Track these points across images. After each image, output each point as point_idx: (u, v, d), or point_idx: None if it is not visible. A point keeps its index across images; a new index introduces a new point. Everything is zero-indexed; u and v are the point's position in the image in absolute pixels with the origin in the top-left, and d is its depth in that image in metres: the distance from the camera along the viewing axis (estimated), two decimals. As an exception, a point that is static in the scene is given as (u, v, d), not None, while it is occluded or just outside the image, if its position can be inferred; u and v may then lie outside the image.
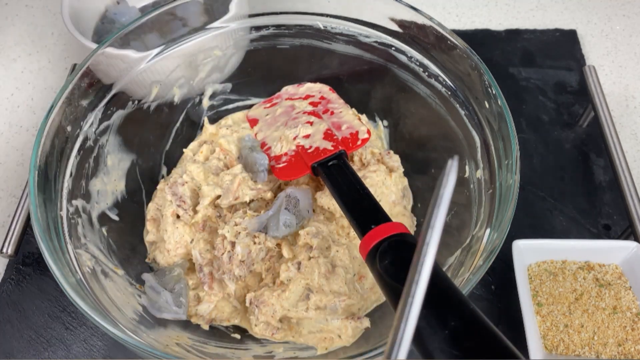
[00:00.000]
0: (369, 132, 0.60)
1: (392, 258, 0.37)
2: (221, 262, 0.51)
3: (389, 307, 0.54)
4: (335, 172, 0.53)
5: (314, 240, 0.52)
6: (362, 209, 0.45)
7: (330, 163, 0.54)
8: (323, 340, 0.51)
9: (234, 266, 0.51)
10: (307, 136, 0.59)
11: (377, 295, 0.54)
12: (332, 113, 0.63)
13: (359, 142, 0.59)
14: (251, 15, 0.62)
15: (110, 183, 0.56)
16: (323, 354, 0.50)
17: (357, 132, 0.59)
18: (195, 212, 0.56)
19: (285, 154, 0.59)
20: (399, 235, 0.38)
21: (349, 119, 0.62)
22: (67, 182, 0.49)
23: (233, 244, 0.51)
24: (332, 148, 0.56)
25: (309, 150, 0.57)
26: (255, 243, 0.52)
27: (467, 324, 0.30)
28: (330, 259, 0.52)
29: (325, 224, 0.55)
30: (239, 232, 0.51)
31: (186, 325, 0.52)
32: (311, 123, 0.60)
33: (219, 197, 0.56)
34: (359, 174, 0.54)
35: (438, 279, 0.34)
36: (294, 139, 0.59)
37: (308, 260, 0.51)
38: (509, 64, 0.81)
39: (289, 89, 0.69)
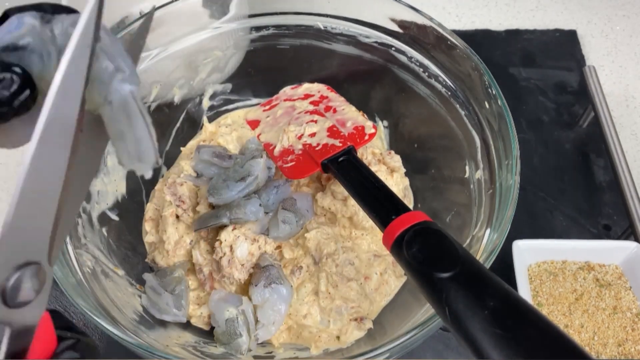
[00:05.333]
0: (374, 126, 0.59)
1: (420, 245, 0.36)
2: (221, 266, 0.51)
3: (389, 308, 0.54)
4: (347, 167, 0.53)
5: (324, 244, 0.51)
6: (380, 201, 0.45)
7: (340, 159, 0.54)
8: (318, 339, 0.50)
9: (233, 269, 0.50)
10: (313, 134, 0.59)
11: (382, 296, 0.54)
12: (335, 111, 0.63)
13: (366, 137, 0.58)
14: (251, 16, 0.62)
15: (110, 183, 0.56)
16: (324, 354, 0.50)
17: (363, 127, 0.59)
18: (195, 212, 0.56)
19: (292, 152, 0.58)
20: (422, 223, 0.38)
21: (353, 115, 0.61)
22: (67, 183, 0.49)
23: (232, 248, 0.51)
24: (340, 144, 0.56)
25: (317, 148, 0.57)
26: (254, 245, 0.52)
27: (505, 303, 0.30)
28: (339, 263, 0.52)
29: (330, 226, 0.55)
30: (238, 237, 0.51)
31: (186, 325, 0.52)
32: (315, 121, 0.60)
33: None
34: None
35: (469, 262, 0.34)
36: (300, 137, 0.59)
37: (315, 264, 0.51)
38: (509, 64, 0.81)
39: (286, 90, 0.68)
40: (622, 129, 0.74)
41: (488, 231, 0.45)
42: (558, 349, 0.27)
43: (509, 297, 0.31)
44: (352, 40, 0.62)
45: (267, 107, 0.67)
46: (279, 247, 0.54)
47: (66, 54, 0.22)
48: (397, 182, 0.58)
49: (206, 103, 0.67)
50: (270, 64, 0.67)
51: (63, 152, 0.23)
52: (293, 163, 0.57)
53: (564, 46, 0.83)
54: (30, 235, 0.23)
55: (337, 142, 0.56)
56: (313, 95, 0.66)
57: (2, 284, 0.23)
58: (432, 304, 0.34)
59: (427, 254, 0.36)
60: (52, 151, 0.23)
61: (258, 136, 0.64)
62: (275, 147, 0.60)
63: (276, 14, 0.62)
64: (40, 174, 0.22)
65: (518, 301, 0.31)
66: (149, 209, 0.60)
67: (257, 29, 0.63)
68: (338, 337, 0.50)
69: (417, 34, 0.57)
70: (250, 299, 0.50)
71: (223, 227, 0.52)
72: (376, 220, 0.44)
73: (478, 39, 0.84)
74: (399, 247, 0.37)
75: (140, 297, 0.51)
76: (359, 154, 0.60)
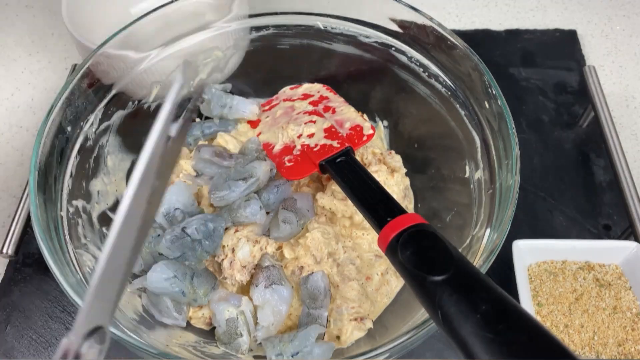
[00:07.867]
0: (372, 127, 0.59)
1: (414, 248, 0.36)
2: (222, 268, 0.51)
3: (390, 308, 0.54)
4: (344, 168, 0.53)
5: (325, 244, 0.51)
6: (376, 203, 0.45)
7: (338, 160, 0.54)
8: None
9: (235, 271, 0.50)
10: (311, 135, 0.59)
11: (383, 297, 0.54)
12: (334, 111, 0.63)
13: (364, 138, 0.58)
14: (251, 16, 0.62)
15: (110, 183, 0.56)
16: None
17: (361, 128, 0.59)
18: (196, 212, 0.56)
19: (291, 152, 0.58)
20: (417, 226, 0.38)
21: (352, 115, 0.61)
22: (67, 183, 0.49)
23: (234, 250, 0.51)
24: (339, 145, 0.56)
25: (315, 149, 0.57)
26: (255, 247, 0.51)
27: (497, 307, 0.30)
28: (340, 263, 0.51)
29: (330, 225, 0.55)
30: (240, 239, 0.51)
31: (187, 325, 0.52)
32: (314, 122, 0.60)
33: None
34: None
35: (462, 265, 0.34)
36: (299, 137, 0.59)
37: (316, 264, 0.51)
38: (509, 64, 0.81)
39: (286, 91, 0.68)
40: (622, 129, 0.74)
41: (488, 231, 0.45)
42: (549, 354, 0.27)
43: (501, 301, 0.31)
44: (352, 40, 0.61)
45: (267, 107, 0.67)
46: (280, 247, 0.54)
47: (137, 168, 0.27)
48: (398, 182, 0.58)
49: (206, 103, 0.67)
50: (270, 64, 0.67)
51: (134, 235, 0.28)
52: (291, 164, 0.57)
53: (564, 46, 0.83)
54: (103, 305, 0.27)
55: (334, 143, 0.56)
56: (312, 96, 0.66)
57: (77, 350, 0.25)
58: (425, 307, 0.34)
59: (421, 257, 0.35)
60: (126, 236, 0.27)
61: (257, 135, 0.64)
62: (274, 147, 0.60)
63: (276, 14, 0.62)
64: (115, 254, 0.26)
65: (510, 305, 0.30)
66: (149, 209, 0.59)
67: (257, 29, 0.63)
68: (338, 337, 0.50)
69: (417, 34, 0.57)
70: (250, 299, 0.50)
71: (225, 229, 0.52)
72: (371, 222, 0.44)
73: (478, 39, 0.84)
74: (394, 250, 0.37)
75: (140, 297, 0.51)
76: (359, 154, 0.60)
